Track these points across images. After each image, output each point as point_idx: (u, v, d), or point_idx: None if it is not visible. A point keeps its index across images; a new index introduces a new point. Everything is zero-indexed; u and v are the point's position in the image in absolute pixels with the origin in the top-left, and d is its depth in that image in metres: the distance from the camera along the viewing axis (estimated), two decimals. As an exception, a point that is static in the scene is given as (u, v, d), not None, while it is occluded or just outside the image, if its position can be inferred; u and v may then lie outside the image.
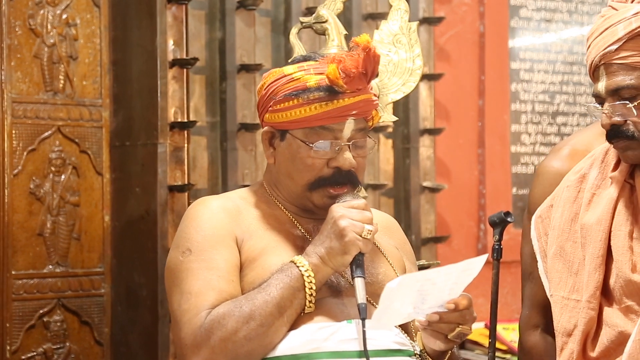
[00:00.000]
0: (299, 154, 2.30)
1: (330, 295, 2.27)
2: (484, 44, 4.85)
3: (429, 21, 4.61)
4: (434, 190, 4.52)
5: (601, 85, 2.37)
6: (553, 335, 2.51)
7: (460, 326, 2.20)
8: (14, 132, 3.56)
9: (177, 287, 2.24)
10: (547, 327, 2.59)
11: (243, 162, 4.01)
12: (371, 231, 2.22)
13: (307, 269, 2.19)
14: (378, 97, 2.37)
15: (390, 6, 3.11)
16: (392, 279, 2.29)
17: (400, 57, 3.07)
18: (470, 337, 3.65)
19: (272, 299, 2.16)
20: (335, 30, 2.95)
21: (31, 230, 3.60)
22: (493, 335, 2.56)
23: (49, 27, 3.65)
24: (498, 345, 4.23)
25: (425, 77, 4.53)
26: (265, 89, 2.35)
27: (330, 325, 2.21)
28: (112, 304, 3.77)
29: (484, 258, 2.13)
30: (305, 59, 2.39)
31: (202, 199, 2.39)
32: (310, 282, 2.19)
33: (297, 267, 2.19)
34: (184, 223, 2.33)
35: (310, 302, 2.19)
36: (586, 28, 5.38)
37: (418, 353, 2.30)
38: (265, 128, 2.36)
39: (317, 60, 2.35)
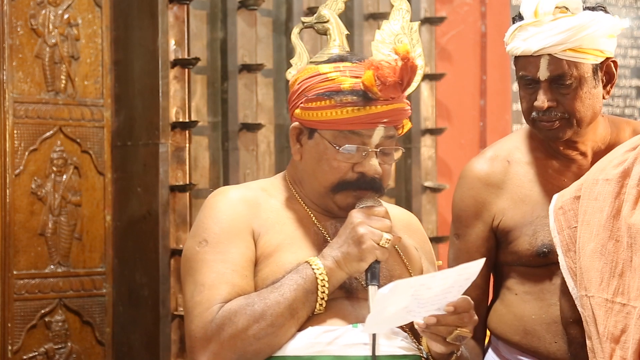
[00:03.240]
0: (325, 155, 2.28)
1: (342, 297, 2.26)
2: (485, 44, 4.85)
3: (430, 21, 4.61)
4: (435, 190, 4.52)
5: None
6: None
7: (459, 329, 2.19)
8: (15, 132, 3.56)
9: (191, 277, 2.24)
10: None
11: (244, 162, 4.01)
12: (389, 240, 2.21)
13: (322, 272, 2.18)
14: (411, 106, 2.35)
15: (392, 6, 3.10)
16: None
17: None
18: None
19: (284, 300, 2.15)
20: (337, 30, 2.95)
21: (33, 230, 3.60)
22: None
23: (51, 27, 3.65)
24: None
25: (427, 77, 4.53)
26: (298, 84, 2.32)
27: (335, 329, 2.21)
28: (113, 304, 3.77)
29: (480, 262, 2.11)
30: (341, 59, 2.35)
31: (222, 189, 2.38)
32: (324, 285, 2.18)
33: (312, 269, 2.18)
34: (202, 212, 2.33)
35: (320, 305, 2.19)
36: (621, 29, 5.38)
37: (425, 357, 2.29)
38: (295, 124, 2.33)
39: (353, 62, 2.32)
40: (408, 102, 2.32)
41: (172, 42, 3.72)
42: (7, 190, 3.53)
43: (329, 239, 2.30)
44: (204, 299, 2.19)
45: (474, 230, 2.69)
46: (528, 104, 2.62)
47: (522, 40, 2.59)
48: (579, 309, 2.44)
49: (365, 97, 2.25)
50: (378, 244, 2.20)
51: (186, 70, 3.75)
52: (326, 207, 2.34)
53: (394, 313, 2.10)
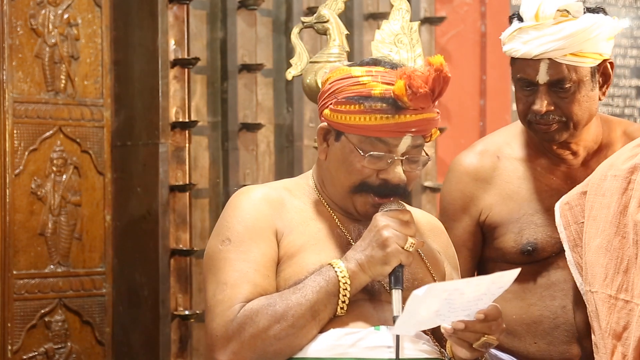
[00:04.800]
0: (349, 157, 2.26)
1: (365, 299, 2.25)
2: (485, 44, 4.85)
3: (430, 21, 4.61)
4: (435, 190, 4.52)
5: None
6: None
7: (486, 336, 2.17)
8: (15, 132, 3.56)
9: (214, 276, 2.23)
10: None
11: (244, 162, 4.01)
12: (414, 244, 2.19)
13: (345, 275, 2.17)
14: (439, 114, 2.33)
15: (392, 6, 3.11)
16: None
17: (401, 57, 3.07)
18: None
19: (306, 301, 2.14)
20: (337, 30, 2.95)
21: (32, 230, 3.60)
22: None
23: (51, 27, 3.65)
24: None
25: (427, 77, 4.53)
26: (329, 84, 2.30)
27: (357, 331, 2.20)
28: (113, 304, 3.77)
29: (516, 272, 2.10)
30: (375, 62, 2.31)
31: (246, 188, 2.37)
32: (346, 288, 2.17)
33: (335, 271, 2.17)
34: (226, 212, 2.31)
35: (342, 307, 2.18)
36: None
37: None
38: (323, 124, 2.31)
39: (386, 68, 2.28)
40: (438, 111, 2.30)
41: (172, 42, 3.72)
42: (7, 190, 3.53)
43: (352, 241, 2.29)
44: (225, 297, 2.18)
45: (460, 224, 2.69)
46: (525, 106, 2.62)
47: (522, 43, 2.58)
48: (586, 304, 2.44)
49: (395, 105, 2.22)
50: (402, 248, 2.19)
51: (186, 70, 3.75)
52: (347, 209, 2.33)
53: (425, 316, 2.09)
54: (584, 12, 2.58)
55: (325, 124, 2.31)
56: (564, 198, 2.53)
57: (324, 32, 2.95)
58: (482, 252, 2.72)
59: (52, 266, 3.64)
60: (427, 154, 2.32)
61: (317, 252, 2.25)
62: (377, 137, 2.24)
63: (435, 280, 2.34)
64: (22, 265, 3.57)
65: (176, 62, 3.72)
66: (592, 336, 2.41)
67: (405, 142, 2.25)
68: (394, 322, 2.14)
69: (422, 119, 2.25)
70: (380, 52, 3.08)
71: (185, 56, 3.74)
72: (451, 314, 2.12)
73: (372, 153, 2.24)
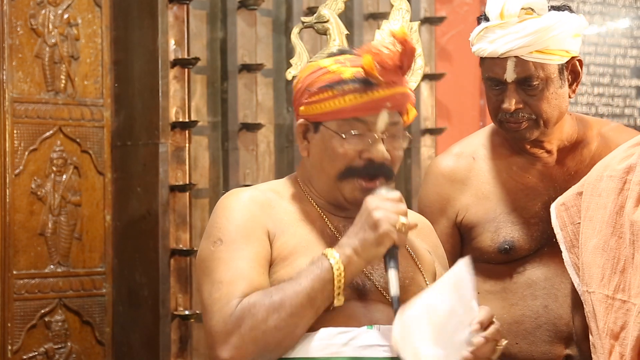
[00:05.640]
0: (331, 144, 2.28)
1: (354, 298, 2.26)
2: (485, 44, 4.84)
3: (430, 21, 4.61)
4: (435, 190, 4.51)
5: None
6: None
7: (499, 342, 2.20)
8: (15, 132, 3.56)
9: (208, 277, 2.23)
10: None
11: (244, 162, 4.01)
12: (405, 224, 2.21)
13: (337, 261, 2.17)
14: (414, 92, 2.36)
15: (392, 6, 3.11)
16: (420, 285, 2.30)
17: (401, 57, 3.07)
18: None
19: (302, 289, 2.15)
20: (337, 30, 2.95)
21: (32, 230, 3.60)
22: None
23: (51, 26, 3.66)
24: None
25: (427, 77, 4.53)
26: (301, 82, 2.34)
27: (349, 330, 2.20)
28: (113, 304, 3.77)
29: (460, 263, 2.12)
30: (341, 52, 2.37)
31: (234, 191, 2.38)
32: (340, 274, 2.17)
33: (328, 259, 2.18)
34: (215, 214, 2.32)
35: (338, 294, 2.18)
36: (587, 28, 5.37)
37: None
38: (300, 121, 2.34)
39: (353, 54, 2.33)
40: (410, 88, 2.32)
41: (172, 42, 3.72)
42: (7, 190, 3.53)
43: (339, 238, 2.29)
44: (222, 295, 2.19)
45: (438, 226, 2.70)
46: (495, 105, 2.64)
47: (488, 42, 2.61)
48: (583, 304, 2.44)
49: (366, 83, 2.26)
50: (395, 228, 2.20)
51: (186, 70, 3.75)
52: (336, 203, 2.34)
53: (428, 347, 2.10)
54: (549, 10, 2.60)
55: (302, 120, 2.33)
56: (560, 199, 2.53)
57: (324, 32, 2.95)
58: (461, 254, 2.72)
59: (52, 266, 3.64)
60: (408, 134, 2.35)
61: (310, 254, 2.25)
62: (354, 118, 2.27)
63: (425, 279, 2.35)
64: (22, 265, 3.57)
65: (176, 62, 3.72)
66: (590, 336, 2.41)
67: (383, 119, 2.28)
68: (392, 301, 2.16)
69: (394, 93, 2.28)
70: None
71: (185, 56, 3.74)
72: (455, 337, 2.13)
73: (352, 132, 2.26)
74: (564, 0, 2.72)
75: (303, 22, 2.98)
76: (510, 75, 2.59)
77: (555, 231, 2.51)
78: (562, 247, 2.50)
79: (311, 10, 4.07)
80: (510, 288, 2.67)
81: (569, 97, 2.66)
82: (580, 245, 2.45)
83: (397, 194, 2.25)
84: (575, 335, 2.56)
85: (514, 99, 2.59)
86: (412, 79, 3.07)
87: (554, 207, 2.53)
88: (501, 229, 2.66)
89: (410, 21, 3.08)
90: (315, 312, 2.16)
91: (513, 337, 2.62)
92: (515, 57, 2.58)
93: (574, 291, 2.50)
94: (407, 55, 2.25)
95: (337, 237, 2.30)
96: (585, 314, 2.42)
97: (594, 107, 5.43)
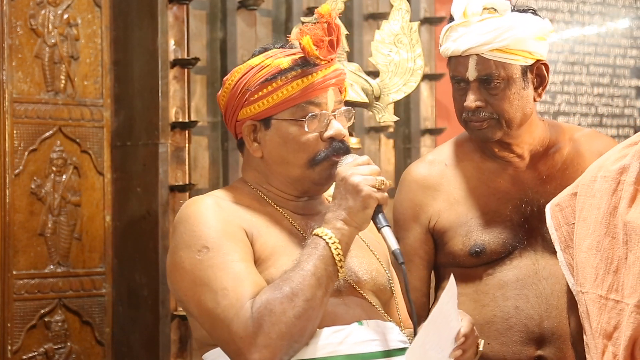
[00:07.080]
0: (290, 134, 2.30)
1: (334, 296, 2.26)
2: (485, 44, 4.84)
3: (430, 21, 4.61)
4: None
5: None
6: None
7: (478, 346, 2.28)
8: (15, 132, 3.56)
9: (205, 287, 2.20)
10: None
11: (244, 162, 4.01)
12: (384, 182, 2.23)
13: (331, 237, 2.19)
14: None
15: (392, 6, 3.11)
16: (383, 274, 2.36)
17: (401, 57, 3.07)
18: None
19: (307, 272, 2.15)
20: (337, 30, 2.95)
21: (32, 230, 3.60)
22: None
23: (50, 27, 3.66)
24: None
25: (427, 77, 4.54)
26: (233, 88, 2.34)
27: (343, 328, 2.22)
28: (113, 304, 3.77)
29: (452, 280, 2.16)
30: (265, 49, 2.40)
31: (195, 198, 2.37)
32: (337, 248, 2.18)
33: (321, 237, 2.19)
34: (187, 222, 2.29)
35: (341, 267, 2.19)
36: (587, 28, 5.38)
37: None
38: (246, 123, 2.34)
39: (278, 48, 2.37)
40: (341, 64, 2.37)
41: (171, 42, 3.72)
42: (7, 190, 3.53)
43: (302, 234, 2.32)
44: (232, 301, 2.17)
45: (411, 233, 2.74)
46: (459, 104, 2.68)
47: (452, 41, 2.66)
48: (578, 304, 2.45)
49: (307, 65, 2.30)
50: (375, 188, 2.21)
51: (186, 70, 3.75)
52: (302, 190, 2.35)
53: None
54: (512, 11, 2.64)
55: (249, 122, 2.33)
56: (555, 200, 2.55)
57: (324, 32, 2.94)
58: (435, 259, 2.74)
59: (52, 266, 3.64)
60: (352, 109, 2.39)
61: (288, 253, 2.26)
62: (305, 101, 2.29)
63: (385, 270, 2.40)
64: (22, 265, 3.57)
65: (176, 62, 3.72)
66: (584, 336, 2.42)
67: (331, 97, 2.32)
68: (395, 255, 2.20)
69: (334, 69, 2.33)
70: (380, 52, 3.08)
71: (185, 56, 3.74)
72: (446, 346, 2.18)
73: (309, 115, 2.29)
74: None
75: (303, 22, 2.98)
76: (472, 73, 2.62)
77: (550, 232, 2.53)
78: (557, 247, 2.51)
79: (311, 11, 4.07)
80: (482, 289, 2.70)
81: (535, 100, 2.69)
82: (575, 246, 2.47)
83: (365, 157, 2.29)
84: (571, 336, 2.57)
85: (474, 96, 2.63)
86: (412, 79, 3.08)
87: (548, 208, 2.55)
88: (472, 232, 2.69)
89: (410, 21, 3.09)
90: (325, 291, 2.17)
91: (485, 337, 2.62)
92: (476, 55, 2.61)
93: (569, 292, 2.51)
94: (334, 29, 2.30)
95: (302, 235, 2.31)
96: (580, 314, 2.43)
97: (594, 107, 5.43)
